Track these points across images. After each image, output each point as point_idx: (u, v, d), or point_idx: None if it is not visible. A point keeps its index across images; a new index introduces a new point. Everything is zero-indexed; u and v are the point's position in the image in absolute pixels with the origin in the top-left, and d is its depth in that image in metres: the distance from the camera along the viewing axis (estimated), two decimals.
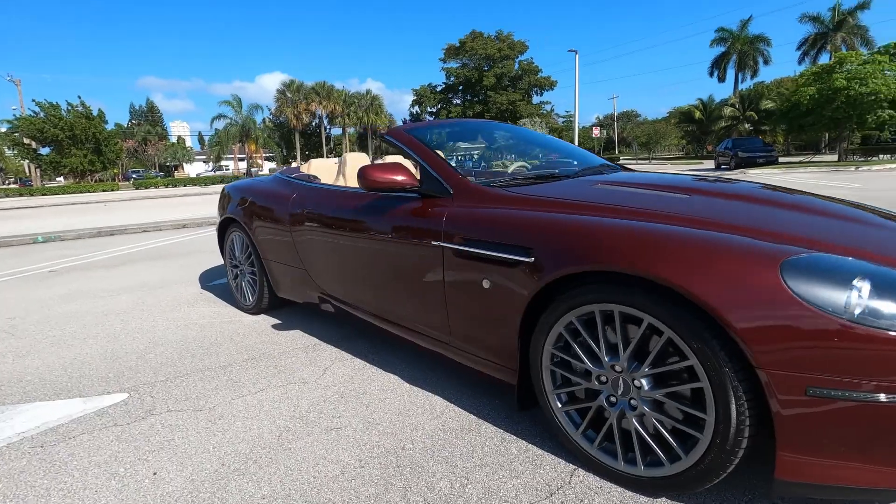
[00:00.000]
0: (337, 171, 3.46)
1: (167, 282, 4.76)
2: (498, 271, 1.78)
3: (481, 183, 2.13)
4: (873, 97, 17.95)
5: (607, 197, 1.95)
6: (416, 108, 49.39)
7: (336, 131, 50.90)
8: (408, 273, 2.20)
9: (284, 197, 3.05)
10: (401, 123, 50.05)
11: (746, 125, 44.90)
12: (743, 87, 49.43)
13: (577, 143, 35.39)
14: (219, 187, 26.95)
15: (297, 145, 42.01)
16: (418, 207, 2.15)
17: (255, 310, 3.53)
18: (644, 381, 1.46)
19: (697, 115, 48.27)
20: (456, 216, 1.97)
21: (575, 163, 2.81)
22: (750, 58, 49.72)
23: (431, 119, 49.94)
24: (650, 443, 1.47)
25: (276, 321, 3.40)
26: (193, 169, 54.20)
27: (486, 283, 1.83)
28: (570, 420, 1.69)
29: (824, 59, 44.66)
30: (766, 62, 49.97)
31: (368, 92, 43.78)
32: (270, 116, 44.90)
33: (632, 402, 1.50)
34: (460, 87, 47.61)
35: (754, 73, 50.78)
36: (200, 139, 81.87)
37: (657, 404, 1.47)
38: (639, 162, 41.80)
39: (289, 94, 40.85)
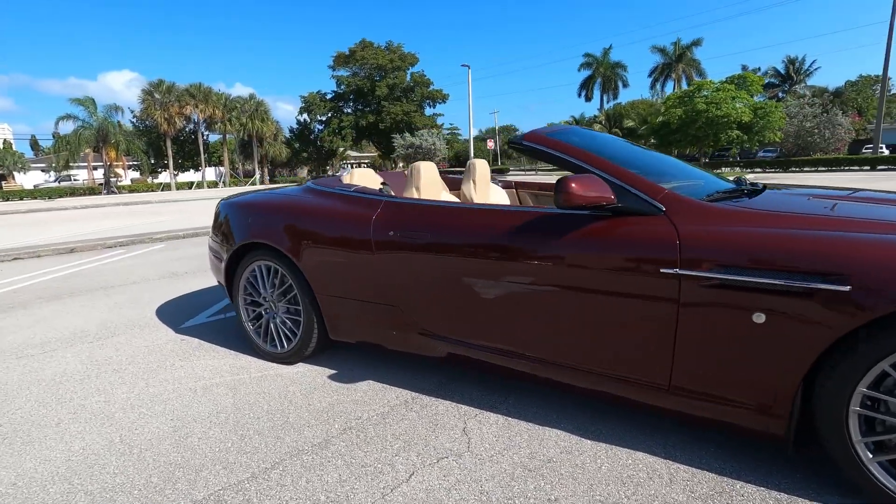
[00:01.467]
0: (409, 182, 2.88)
1: (115, 327, 3.64)
2: (784, 303, 1.49)
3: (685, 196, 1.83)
4: (726, 119, 21.19)
5: (862, 212, 1.78)
6: (305, 115, 47.00)
7: (214, 138, 46.33)
8: (604, 307, 1.81)
9: (361, 216, 2.42)
10: (288, 132, 47.31)
11: None
12: (607, 107, 55.54)
13: (472, 154, 36.56)
14: (76, 201, 22.62)
15: (169, 153, 37.18)
16: (622, 227, 1.78)
17: (293, 357, 2.79)
18: None
19: None
20: (697, 238, 1.64)
21: (698, 177, 2.60)
22: (612, 82, 56.31)
23: (321, 127, 47.94)
24: None
25: (328, 370, 2.71)
26: (29, 179, 45.16)
27: (758, 318, 1.53)
28: (887, 473, 1.46)
29: (670, 86, 52.53)
30: (624, 86, 57.03)
31: (252, 97, 40.43)
32: (134, 120, 39.26)
33: None
34: (352, 96, 46.41)
35: (615, 95, 57.59)
36: (34, 144, 68.98)
37: None
38: (526, 173, 44.51)
39: (157, 96, 36.00)
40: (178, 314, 3.90)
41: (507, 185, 3.89)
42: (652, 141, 46.35)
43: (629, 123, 48.71)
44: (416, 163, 3.00)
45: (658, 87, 52.35)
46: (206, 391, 2.52)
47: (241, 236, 2.84)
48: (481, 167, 3.54)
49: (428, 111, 46.68)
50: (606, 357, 1.86)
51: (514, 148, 2.20)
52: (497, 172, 44.17)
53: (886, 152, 30.88)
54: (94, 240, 8.04)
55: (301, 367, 2.77)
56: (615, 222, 1.81)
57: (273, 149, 42.85)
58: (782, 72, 52.16)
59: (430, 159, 36.57)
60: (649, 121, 47.19)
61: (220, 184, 40.02)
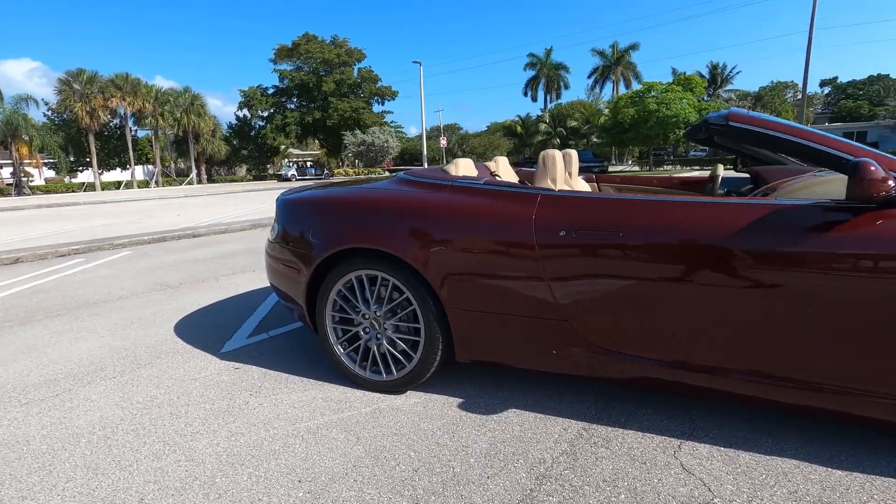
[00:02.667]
0: (542, 173, 2.48)
1: (134, 356, 2.96)
2: None
3: None
4: (675, 119, 22.22)
5: None
6: (245, 111, 44.34)
7: (144, 133, 42.65)
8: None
9: (515, 215, 2.00)
10: (226, 128, 44.54)
11: (557, 140, 52.04)
12: (550, 107, 57.05)
13: (425, 153, 36.18)
14: None
15: (93, 150, 33.66)
16: None
17: (404, 385, 2.31)
18: None
19: (518, 129, 53.86)
20: None
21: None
22: (555, 82, 57.93)
23: (263, 123, 45.50)
24: None
25: (449, 398, 2.26)
26: None
27: None
28: None
29: (609, 88, 55.07)
30: (566, 87, 58.91)
31: (187, 90, 37.55)
32: (49, 113, 35.26)
33: None
34: (296, 92, 44.38)
35: (558, 96, 59.31)
36: None
37: None
38: None
39: (77, 86, 32.47)
40: (206, 335, 3.25)
41: (588, 179, 3.59)
42: (595, 140, 48.45)
43: (573, 123, 50.35)
44: (548, 150, 2.62)
45: (598, 88, 54.49)
46: (317, 436, 2.00)
47: (333, 241, 2.31)
48: (576, 158, 3.22)
49: (376, 108, 45.66)
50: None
51: (714, 129, 1.88)
52: None
53: None
54: (42, 247, 6.87)
55: (415, 397, 2.30)
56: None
57: (211, 146, 40.16)
58: (707, 76, 55.97)
59: (383, 157, 35.79)
60: (591, 121, 49.12)
61: (153, 183, 36.96)
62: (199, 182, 39.85)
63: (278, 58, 43.81)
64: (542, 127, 51.89)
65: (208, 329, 3.37)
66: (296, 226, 2.52)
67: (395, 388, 2.33)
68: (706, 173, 3.84)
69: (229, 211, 12.70)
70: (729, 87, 53.30)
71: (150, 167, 41.12)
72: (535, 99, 59.22)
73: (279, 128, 43.18)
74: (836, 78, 69.46)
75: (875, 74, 70.62)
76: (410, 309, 2.23)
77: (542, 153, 2.73)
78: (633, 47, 51.85)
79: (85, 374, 2.70)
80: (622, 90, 53.68)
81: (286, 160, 49.89)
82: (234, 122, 45.20)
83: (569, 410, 2.13)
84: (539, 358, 2.07)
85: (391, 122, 45.03)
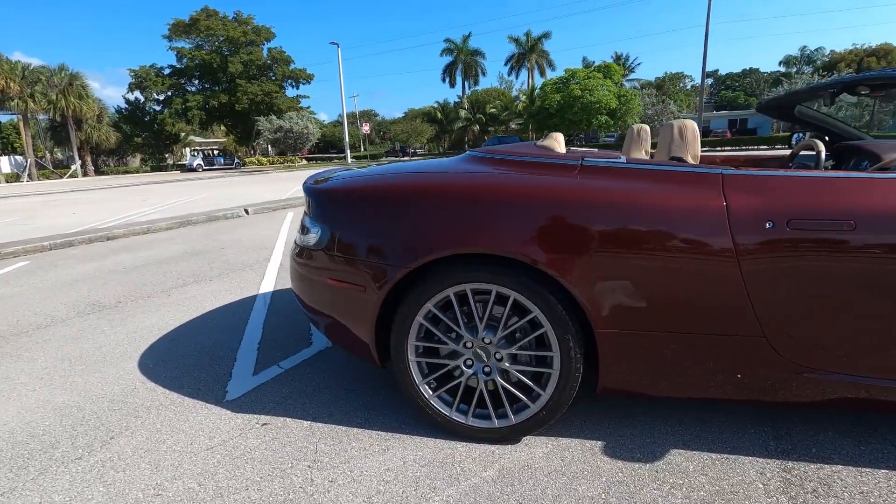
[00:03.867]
0: (677, 147, 1.98)
1: (98, 413, 2.08)
2: None
3: None
4: (598, 105, 23.05)
5: None
6: (137, 92, 39.26)
7: (8, 118, 36.35)
8: None
9: (699, 204, 1.50)
10: (114, 112, 39.39)
11: (477, 126, 52.55)
12: (468, 93, 57.30)
13: (347, 139, 34.65)
14: None
15: None
16: None
17: (522, 430, 1.75)
18: None
19: (438, 115, 53.52)
20: None
21: None
22: (472, 68, 58.21)
23: (160, 108, 40.75)
24: None
25: (582, 441, 1.74)
26: None
27: None
28: None
29: (524, 75, 56.46)
30: (483, 73, 59.50)
31: (63, 67, 32.31)
32: None
33: None
34: (197, 73, 40.13)
35: (476, 82, 59.75)
36: None
37: None
38: (401, 159, 43.83)
39: None
40: (192, 377, 2.42)
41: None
42: (513, 126, 49.48)
43: (491, 109, 50.96)
44: (680, 120, 2.14)
45: (514, 76, 55.76)
46: None
47: (425, 246, 1.66)
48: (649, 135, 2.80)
49: (291, 92, 42.85)
50: None
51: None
52: (373, 158, 42.68)
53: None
54: None
55: (539, 446, 1.75)
56: None
57: (97, 133, 35.29)
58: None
59: (302, 145, 33.68)
60: (510, 107, 50.07)
61: (25, 177, 31.73)
62: (86, 174, 34.93)
63: (174, 34, 39.33)
64: (462, 113, 51.99)
65: (191, 367, 2.54)
66: (354, 226, 1.83)
67: (509, 435, 1.76)
68: (771, 153, 3.60)
69: (138, 207, 10.95)
70: (632, 75, 56.94)
71: (19, 158, 35.23)
72: (453, 85, 59.16)
73: (179, 113, 38.99)
74: (717, 70, 77.16)
75: (748, 68, 79.42)
76: (539, 332, 1.66)
77: (633, 127, 2.28)
78: (546, 36, 53.40)
79: (24, 459, 1.81)
80: (537, 78, 55.46)
81: (189, 149, 45.34)
82: (123, 106, 40.04)
83: (747, 445, 1.71)
84: (715, 384, 1.62)
85: (307, 108, 42.43)
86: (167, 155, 45.48)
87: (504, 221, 1.62)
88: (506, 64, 56.34)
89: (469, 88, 58.77)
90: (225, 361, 2.57)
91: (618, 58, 58.45)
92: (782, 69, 62.55)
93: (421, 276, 1.71)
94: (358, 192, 1.88)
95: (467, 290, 1.69)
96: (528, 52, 53.82)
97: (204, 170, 35.38)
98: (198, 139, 51.02)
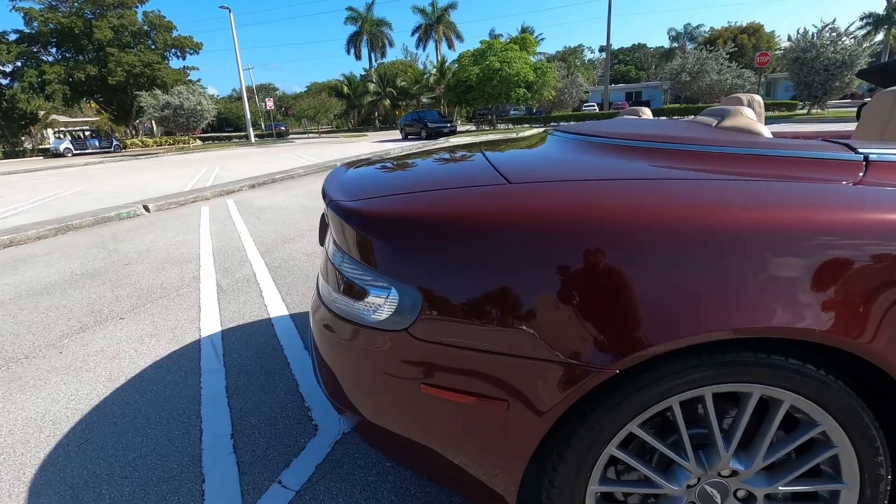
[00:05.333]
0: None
1: None
2: None
3: None
4: (517, 77, 22.83)
5: None
6: None
7: None
8: None
9: None
10: None
11: (387, 101, 50.70)
12: (375, 65, 54.93)
13: (248, 116, 31.59)
14: None
15: None
16: None
17: None
18: None
19: (345, 89, 50.82)
20: None
21: None
22: (379, 40, 55.78)
23: (9, 81, 33.95)
24: None
25: None
26: None
27: None
28: None
29: (430, 48, 55.16)
30: (391, 44, 57.23)
31: None
32: None
33: None
34: (54, 39, 33.75)
35: (383, 54, 57.45)
36: None
37: None
38: (310, 137, 41.03)
39: None
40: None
41: None
42: (424, 101, 48.36)
43: (402, 83, 49.34)
44: (748, 94, 1.54)
45: (421, 48, 54.37)
46: None
47: (652, 331, 0.86)
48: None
49: (176, 63, 37.95)
50: None
51: None
52: (279, 136, 39.44)
53: (597, 109, 39.25)
54: None
55: None
56: None
57: None
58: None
59: (196, 123, 30.05)
60: (420, 81, 48.70)
61: None
62: None
63: None
64: (371, 87, 49.85)
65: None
66: (485, 288, 0.95)
67: None
68: (824, 127, 3.16)
69: None
70: (538, 48, 58.08)
71: None
72: (358, 57, 56.49)
73: (35, 87, 32.83)
74: (610, 45, 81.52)
75: (637, 43, 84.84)
76: (826, 454, 0.96)
77: (742, 97, 1.65)
78: (452, 6, 52.47)
79: None
80: (445, 50, 54.50)
81: (52, 130, 38.66)
82: None
83: None
84: None
85: (197, 81, 37.79)
86: (23, 138, 38.47)
87: (790, 278, 0.87)
88: (412, 34, 54.78)
89: (376, 61, 56.44)
90: (184, 490, 1.59)
91: (524, 30, 59.17)
92: (666, 45, 67.49)
93: (625, 377, 0.92)
94: (495, 219, 0.99)
95: (706, 396, 0.93)
96: (435, 24, 52.53)
97: (74, 154, 30.28)
98: (62, 118, 43.72)
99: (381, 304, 1.03)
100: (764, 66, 24.52)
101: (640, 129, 1.50)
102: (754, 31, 50.79)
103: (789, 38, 24.00)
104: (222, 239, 5.04)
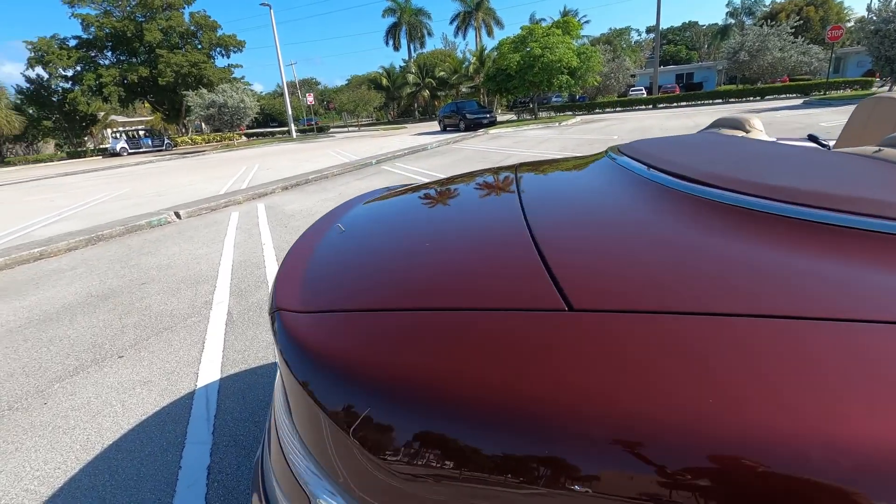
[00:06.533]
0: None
1: None
2: None
3: None
4: (559, 64, 21.76)
5: None
6: (39, 69, 34.20)
7: None
8: None
9: None
10: (14, 93, 34.34)
11: (427, 92, 50.19)
12: (415, 56, 54.48)
13: (290, 112, 31.94)
14: None
15: None
16: None
17: None
18: None
19: (384, 82, 50.69)
20: None
21: None
22: (418, 30, 55.14)
23: (70, 85, 35.90)
24: None
25: None
26: None
27: None
28: None
29: (471, 35, 54.06)
30: (430, 34, 56.51)
31: None
32: None
33: None
34: (109, 43, 35.37)
35: (422, 44, 56.82)
36: None
37: None
38: (349, 130, 41.23)
39: None
40: None
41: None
42: (464, 90, 47.51)
43: (441, 73, 48.67)
44: None
45: (461, 36, 53.41)
46: None
47: None
48: None
49: (221, 62, 38.95)
50: None
51: None
52: (320, 131, 39.86)
53: (644, 94, 37.03)
54: None
55: None
56: None
57: None
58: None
59: (240, 120, 30.69)
60: (459, 70, 47.81)
61: None
62: None
63: None
64: (410, 78, 49.48)
65: None
66: None
67: None
68: None
69: (38, 213, 8.89)
70: (582, 32, 55.83)
71: None
72: (397, 48, 56.09)
73: (94, 90, 34.51)
74: (659, 24, 77.45)
75: (687, 22, 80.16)
76: None
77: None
78: None
79: None
80: (484, 37, 53.28)
81: (111, 130, 40.69)
82: (24, 85, 34.98)
83: None
84: None
85: (241, 79, 38.63)
86: (86, 138, 40.67)
87: None
88: (451, 23, 53.81)
89: (415, 51, 55.98)
90: None
91: (566, 13, 57.00)
92: (720, 22, 63.27)
93: None
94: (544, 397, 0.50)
95: None
96: (474, 10, 51.35)
97: (129, 153, 31.73)
98: (120, 119, 45.95)
99: None
100: (836, 40, 22.29)
101: (772, 168, 0.96)
102: (822, 2, 46.61)
103: (868, 8, 21.62)
104: (244, 252, 4.76)
